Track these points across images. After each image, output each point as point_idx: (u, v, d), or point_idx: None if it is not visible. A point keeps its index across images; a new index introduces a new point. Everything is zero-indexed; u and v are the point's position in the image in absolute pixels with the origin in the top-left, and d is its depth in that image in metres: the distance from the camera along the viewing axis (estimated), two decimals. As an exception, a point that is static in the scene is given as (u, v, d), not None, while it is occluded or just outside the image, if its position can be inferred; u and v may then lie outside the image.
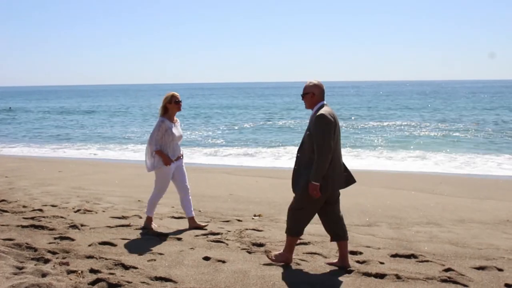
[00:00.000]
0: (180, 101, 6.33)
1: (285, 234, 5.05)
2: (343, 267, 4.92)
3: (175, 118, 6.40)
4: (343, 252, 4.98)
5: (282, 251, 5.08)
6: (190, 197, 6.61)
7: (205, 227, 6.51)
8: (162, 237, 6.05)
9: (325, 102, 4.85)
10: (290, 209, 4.97)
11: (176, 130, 6.33)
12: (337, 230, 5.00)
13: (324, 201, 4.87)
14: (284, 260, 4.99)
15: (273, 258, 5.04)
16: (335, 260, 5.06)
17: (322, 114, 4.64)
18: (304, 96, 4.90)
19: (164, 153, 6.26)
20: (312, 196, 4.65)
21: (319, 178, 4.61)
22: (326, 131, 4.61)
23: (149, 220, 6.53)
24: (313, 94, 4.83)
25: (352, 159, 16.77)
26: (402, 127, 28.56)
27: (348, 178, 5.03)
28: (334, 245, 5.79)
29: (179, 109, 6.32)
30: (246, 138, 24.55)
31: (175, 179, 6.52)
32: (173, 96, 6.26)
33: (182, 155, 6.56)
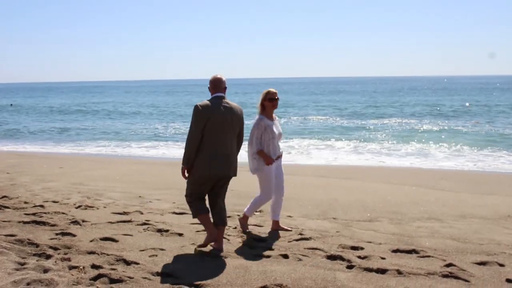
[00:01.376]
0: (275, 99, 6.00)
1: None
2: (217, 249, 5.26)
3: (273, 115, 6.14)
4: (219, 236, 5.33)
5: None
6: (282, 201, 6.33)
7: (291, 230, 6.26)
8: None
9: (220, 95, 5.27)
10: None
11: (276, 128, 6.07)
12: (213, 214, 5.40)
13: (212, 186, 5.31)
14: (212, 239, 5.28)
15: (202, 244, 5.33)
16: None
17: (195, 105, 5.16)
18: None
19: (265, 153, 5.99)
20: (183, 176, 5.27)
21: (185, 161, 5.17)
22: (194, 120, 5.10)
23: (245, 219, 6.30)
24: (209, 88, 5.34)
25: (354, 155, 16.79)
26: (403, 123, 28.55)
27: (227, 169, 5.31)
28: (335, 240, 5.82)
29: (274, 107, 6.03)
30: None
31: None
32: (267, 93, 6.02)
33: (281, 154, 6.28)
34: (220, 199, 5.45)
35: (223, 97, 5.28)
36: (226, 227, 6.31)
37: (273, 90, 6.04)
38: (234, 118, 5.28)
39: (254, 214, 7.30)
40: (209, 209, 5.42)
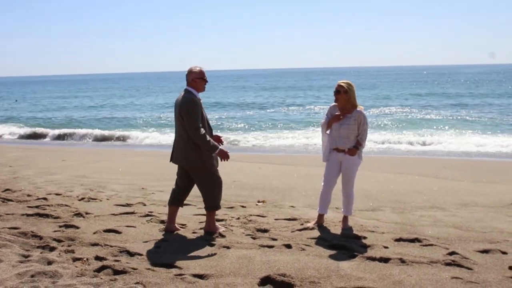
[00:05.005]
0: (337, 91, 5.72)
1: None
2: (207, 232, 5.60)
3: (355, 108, 5.78)
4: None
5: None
6: (348, 197, 6.03)
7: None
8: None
9: (186, 88, 5.43)
10: None
11: (344, 121, 5.75)
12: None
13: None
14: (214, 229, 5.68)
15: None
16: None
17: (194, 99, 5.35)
18: None
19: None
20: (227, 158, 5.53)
21: (214, 146, 5.37)
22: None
23: (319, 218, 6.09)
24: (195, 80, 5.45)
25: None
26: (405, 112, 28.48)
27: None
28: (338, 229, 5.82)
29: (335, 101, 5.80)
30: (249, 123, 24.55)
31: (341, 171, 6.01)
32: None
33: (344, 149, 5.87)
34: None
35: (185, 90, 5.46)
36: (230, 217, 6.35)
37: (340, 82, 5.77)
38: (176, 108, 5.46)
39: (257, 205, 7.32)
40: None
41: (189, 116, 5.23)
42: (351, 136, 5.76)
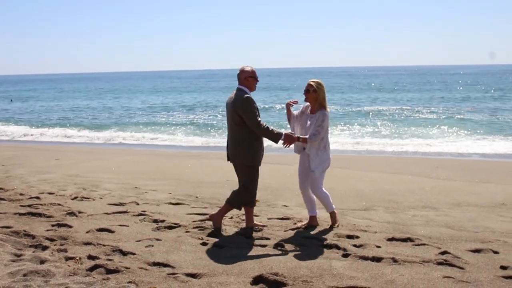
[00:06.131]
0: (307, 90, 5.71)
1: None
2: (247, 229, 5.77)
3: (319, 108, 5.75)
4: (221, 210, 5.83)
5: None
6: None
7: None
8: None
9: (239, 86, 5.56)
10: None
11: (307, 120, 5.83)
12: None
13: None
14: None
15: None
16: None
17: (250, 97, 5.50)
18: None
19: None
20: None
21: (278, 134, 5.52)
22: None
23: (311, 220, 6.04)
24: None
25: (351, 143, 16.83)
26: (398, 111, 28.58)
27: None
28: (331, 229, 5.83)
29: (305, 100, 5.84)
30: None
31: None
32: None
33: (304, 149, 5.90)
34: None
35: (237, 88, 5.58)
36: (224, 217, 6.35)
37: (309, 81, 5.77)
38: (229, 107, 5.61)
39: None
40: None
41: (248, 113, 5.36)
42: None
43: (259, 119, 5.39)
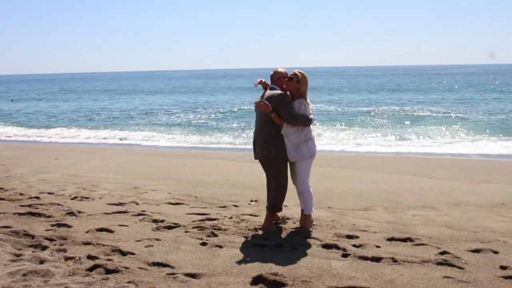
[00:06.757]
0: (290, 78, 5.70)
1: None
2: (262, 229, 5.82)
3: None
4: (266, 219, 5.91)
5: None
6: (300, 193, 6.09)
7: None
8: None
9: (271, 85, 5.82)
10: None
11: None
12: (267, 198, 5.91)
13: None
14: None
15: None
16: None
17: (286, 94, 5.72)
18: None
19: None
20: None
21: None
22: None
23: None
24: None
25: (352, 144, 16.82)
26: (398, 111, 28.58)
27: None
28: (330, 229, 5.83)
29: (286, 86, 5.83)
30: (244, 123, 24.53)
31: None
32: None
33: None
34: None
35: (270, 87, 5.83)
36: (222, 217, 6.34)
37: (294, 71, 5.79)
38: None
39: (249, 204, 7.33)
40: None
41: (284, 105, 5.55)
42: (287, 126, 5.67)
43: (293, 110, 5.57)
